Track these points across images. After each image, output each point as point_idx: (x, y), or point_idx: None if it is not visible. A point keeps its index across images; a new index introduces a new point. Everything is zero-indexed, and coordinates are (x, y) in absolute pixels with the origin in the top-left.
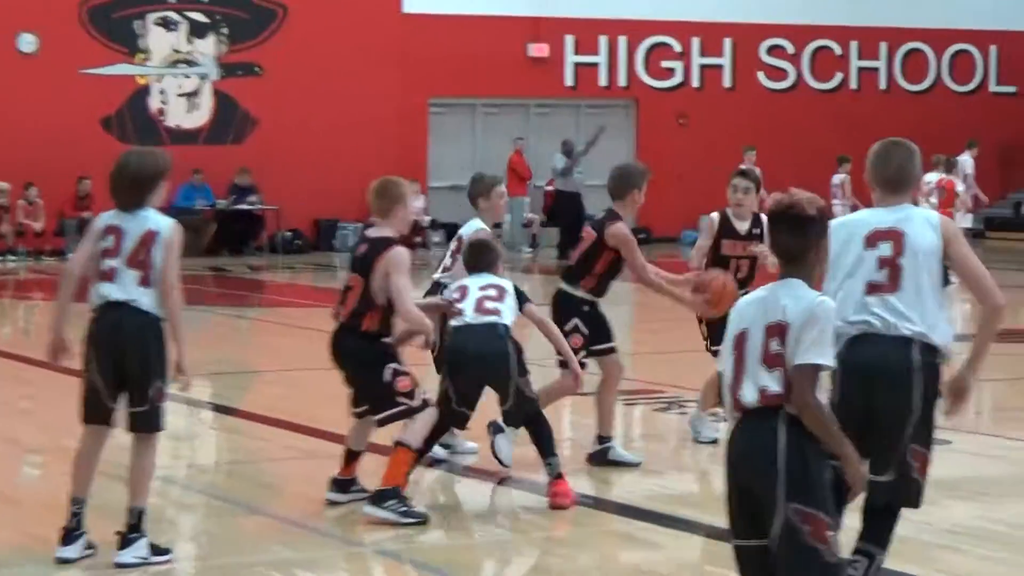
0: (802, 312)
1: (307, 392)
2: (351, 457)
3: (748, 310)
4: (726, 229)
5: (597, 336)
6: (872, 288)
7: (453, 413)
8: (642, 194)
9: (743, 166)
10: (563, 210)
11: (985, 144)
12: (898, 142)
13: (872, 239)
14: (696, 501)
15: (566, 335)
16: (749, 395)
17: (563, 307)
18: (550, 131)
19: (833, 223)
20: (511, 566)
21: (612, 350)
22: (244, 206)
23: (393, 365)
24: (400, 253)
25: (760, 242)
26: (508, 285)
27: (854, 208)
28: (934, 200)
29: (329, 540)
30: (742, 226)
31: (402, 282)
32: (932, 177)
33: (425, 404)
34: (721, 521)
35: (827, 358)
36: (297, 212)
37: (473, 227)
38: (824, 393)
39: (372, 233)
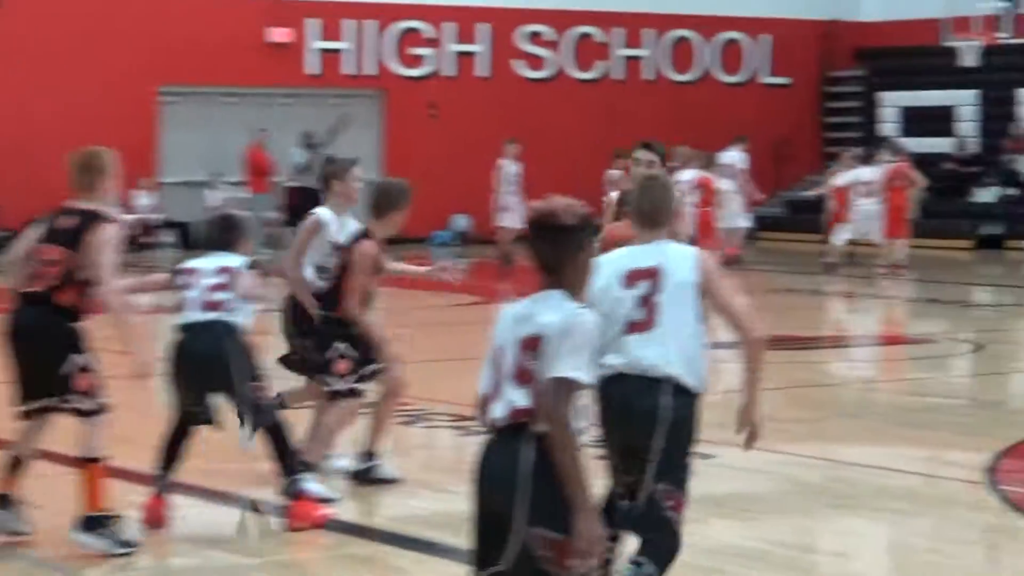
0: (559, 324)
1: None
2: (15, 466)
3: (505, 324)
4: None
5: (367, 357)
6: (631, 327)
7: (188, 413)
8: (402, 215)
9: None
10: (304, 209)
11: (758, 139)
12: (653, 177)
13: (631, 278)
14: (443, 522)
15: (329, 363)
16: (499, 411)
17: (324, 333)
18: (293, 122)
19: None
20: None
21: (385, 368)
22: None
23: (81, 357)
24: (115, 229)
25: None
26: (242, 263)
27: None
28: (694, 199)
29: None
30: None
31: (112, 260)
32: (689, 175)
33: (102, 409)
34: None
35: (581, 373)
36: (15, 210)
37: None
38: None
39: (81, 206)
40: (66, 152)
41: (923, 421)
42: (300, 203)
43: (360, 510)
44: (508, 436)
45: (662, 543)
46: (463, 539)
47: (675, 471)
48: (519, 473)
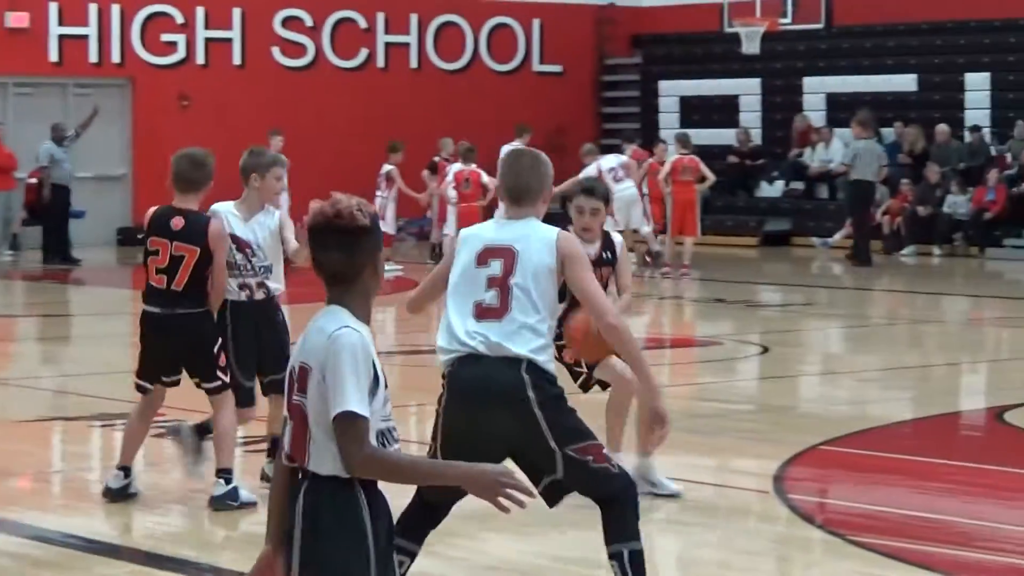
0: (320, 349)
1: None
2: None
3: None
4: None
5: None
6: (480, 310)
7: None
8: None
9: (588, 182)
10: (51, 205)
11: (531, 129)
12: (523, 152)
13: (483, 256)
14: (196, 541)
15: (216, 358)
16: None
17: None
18: (34, 114)
19: (462, 233)
20: None
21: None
22: None
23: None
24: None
25: (612, 268)
26: None
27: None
28: (452, 193)
29: None
30: (591, 251)
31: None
32: (456, 167)
33: None
34: (221, 561)
35: (357, 405)
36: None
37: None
38: None
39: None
40: None
41: (712, 428)
42: (49, 200)
43: (111, 528)
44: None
45: (615, 499)
46: (217, 557)
47: (569, 430)
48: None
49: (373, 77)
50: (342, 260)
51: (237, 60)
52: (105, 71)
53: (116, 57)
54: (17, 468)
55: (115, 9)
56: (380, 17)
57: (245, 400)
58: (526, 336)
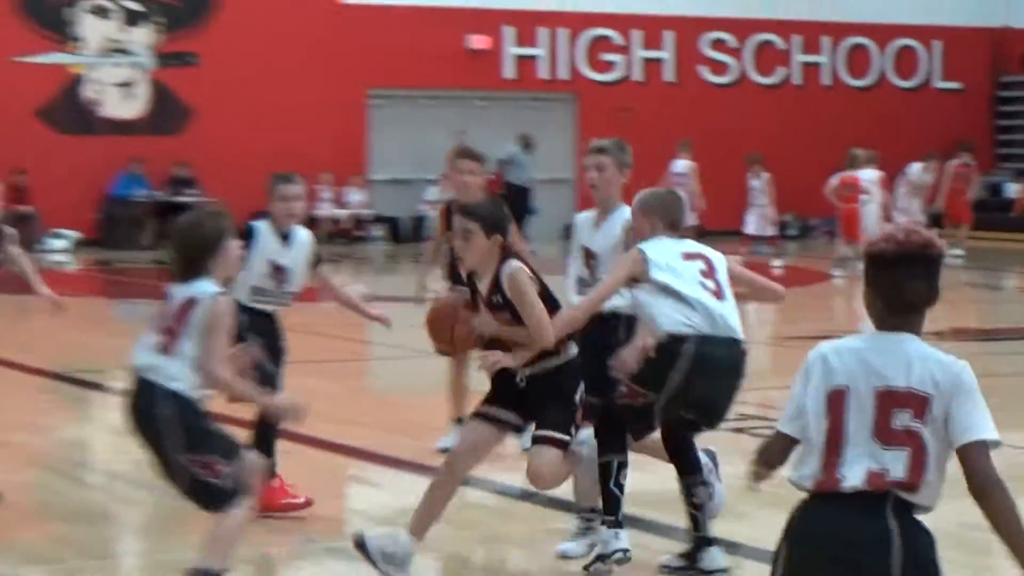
0: (952, 379)
1: None
2: None
3: (842, 366)
4: None
5: None
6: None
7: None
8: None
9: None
10: (511, 203)
11: (932, 142)
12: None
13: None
14: (643, 500)
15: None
16: (854, 476)
17: None
18: (491, 124)
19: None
20: None
21: None
22: (182, 198)
23: None
24: None
25: None
26: None
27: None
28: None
29: (279, 534)
30: None
31: None
32: (869, 174)
33: None
34: (669, 517)
35: (993, 431)
36: (236, 204)
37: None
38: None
39: None
40: (284, 152)
41: None
42: (510, 198)
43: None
44: (866, 503)
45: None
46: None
47: None
48: (892, 545)
49: (789, 93)
50: (928, 291)
51: (669, 77)
52: (554, 86)
53: (564, 74)
54: None
55: (563, 33)
56: (796, 39)
57: None
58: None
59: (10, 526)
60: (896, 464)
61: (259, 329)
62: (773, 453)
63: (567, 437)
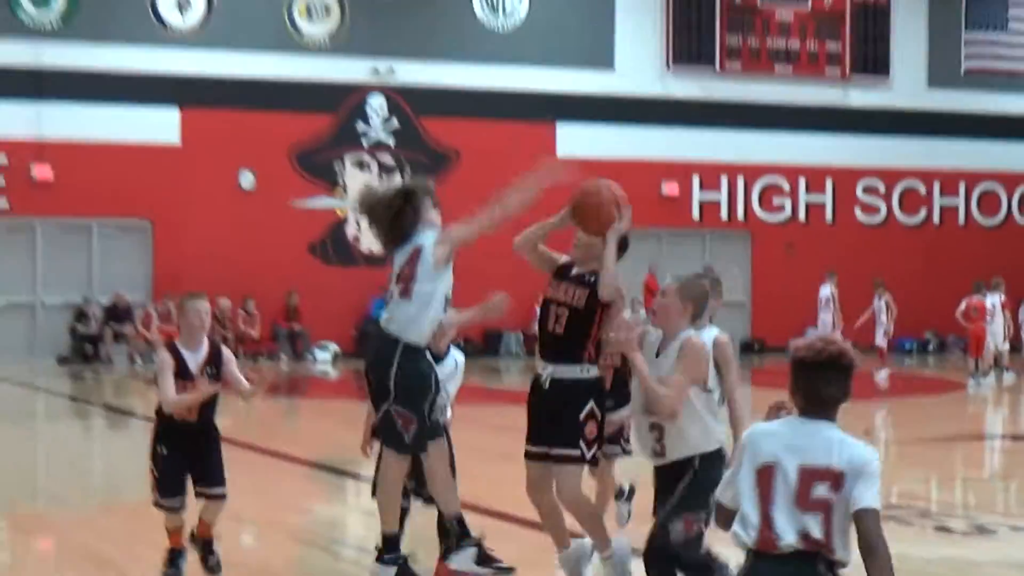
0: (859, 458)
1: (481, 478)
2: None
3: (767, 445)
4: None
5: None
6: None
7: None
8: None
9: None
10: None
11: None
12: None
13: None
14: None
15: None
16: (787, 536)
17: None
18: (680, 257)
19: None
20: None
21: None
22: None
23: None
24: None
25: None
26: None
27: (886, 334)
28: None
29: None
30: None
31: None
32: (994, 299)
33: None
34: None
35: (878, 502)
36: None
37: None
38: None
39: None
40: (509, 279)
41: None
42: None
43: None
44: (799, 562)
45: None
46: None
47: None
48: None
49: (930, 231)
50: (841, 390)
51: (828, 218)
52: (732, 225)
53: (740, 215)
54: None
55: (740, 180)
56: (936, 183)
57: None
58: None
59: None
60: (814, 526)
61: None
62: (719, 518)
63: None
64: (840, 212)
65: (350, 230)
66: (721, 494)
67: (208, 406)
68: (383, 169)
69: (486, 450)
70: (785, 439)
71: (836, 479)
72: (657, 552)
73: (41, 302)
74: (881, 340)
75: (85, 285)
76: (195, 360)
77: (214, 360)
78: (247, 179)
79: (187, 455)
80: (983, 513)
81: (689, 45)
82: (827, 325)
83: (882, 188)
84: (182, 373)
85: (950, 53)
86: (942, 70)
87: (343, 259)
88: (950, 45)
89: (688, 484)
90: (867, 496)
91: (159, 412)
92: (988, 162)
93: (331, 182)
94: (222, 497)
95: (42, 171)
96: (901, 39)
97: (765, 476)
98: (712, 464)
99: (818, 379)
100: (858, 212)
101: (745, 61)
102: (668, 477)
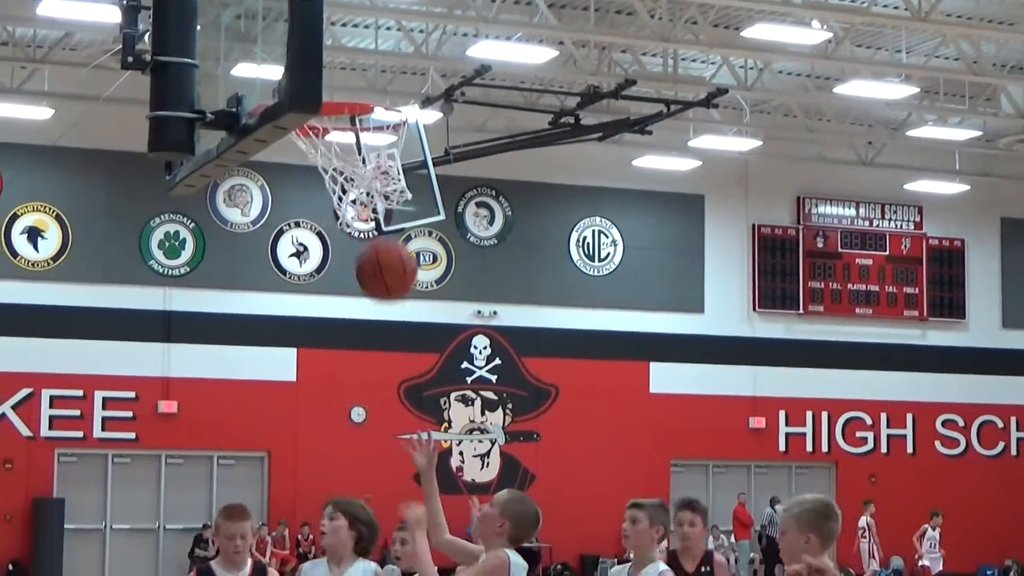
0: None
1: None
2: None
3: None
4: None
5: None
6: None
7: None
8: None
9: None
10: (772, 554)
11: None
12: None
13: None
14: None
15: None
16: None
17: None
18: (767, 488)
19: None
20: None
21: None
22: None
23: None
24: None
25: None
26: None
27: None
28: None
29: None
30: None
31: None
32: None
33: None
34: None
35: None
36: (566, 549)
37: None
38: None
39: None
40: (603, 507)
41: None
42: (769, 548)
43: None
44: None
45: None
46: None
47: None
48: None
49: (1008, 462)
50: None
51: (910, 450)
52: (816, 457)
53: (824, 447)
54: None
55: (824, 415)
56: (1013, 420)
57: None
58: None
59: None
60: None
61: None
62: None
63: None
64: (920, 445)
65: (454, 461)
66: None
67: None
68: (485, 404)
69: None
70: None
71: None
72: None
73: (164, 527)
74: (937, 565)
75: (205, 512)
76: None
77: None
78: (358, 413)
79: None
80: None
81: (774, 290)
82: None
83: (961, 422)
84: None
85: (1022, 295)
86: (1015, 311)
87: (447, 487)
88: (1022, 288)
89: None
90: None
91: None
92: None
93: (437, 417)
94: None
95: (168, 406)
96: (975, 282)
97: None
98: None
99: None
100: (938, 444)
101: (827, 304)
102: None
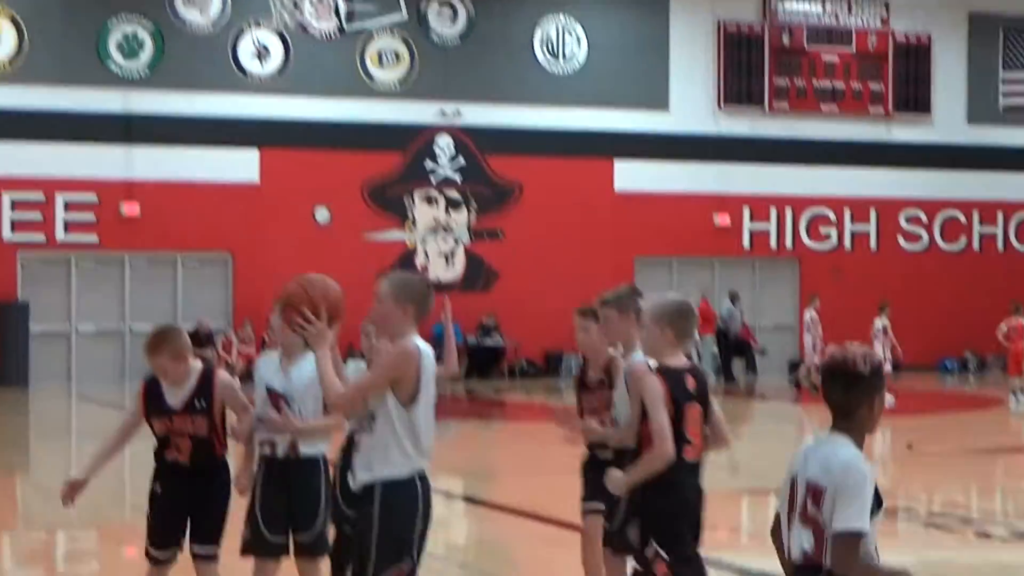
0: (840, 475)
1: (542, 488)
2: None
3: (799, 460)
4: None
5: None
6: None
7: None
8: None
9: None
10: (729, 348)
11: None
12: None
13: None
14: None
15: None
16: (794, 551)
17: None
18: (730, 284)
19: None
20: None
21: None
22: (489, 342)
23: None
24: None
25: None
26: None
27: (894, 349)
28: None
29: None
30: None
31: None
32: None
33: None
34: None
35: (861, 523)
36: (531, 346)
37: None
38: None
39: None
40: (568, 304)
41: None
42: (724, 342)
43: None
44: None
45: None
46: None
47: None
48: None
49: (970, 257)
50: (842, 396)
51: (873, 246)
52: (780, 253)
53: (788, 244)
54: (720, 523)
55: (788, 211)
56: (976, 214)
57: None
58: None
59: None
60: (808, 542)
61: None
62: (772, 529)
63: None
64: (884, 240)
65: (419, 259)
66: (777, 504)
67: (201, 446)
68: (450, 203)
69: (546, 461)
70: (805, 452)
71: (818, 494)
72: None
73: (129, 329)
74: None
75: (170, 313)
76: (177, 394)
77: (203, 391)
78: (322, 214)
79: (184, 502)
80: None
81: (739, 86)
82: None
83: (924, 218)
84: (160, 407)
85: (988, 91)
86: (980, 107)
87: None
88: (988, 84)
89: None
90: (840, 517)
91: (156, 450)
92: None
93: (401, 216)
94: (209, 558)
95: (130, 208)
96: (941, 78)
97: (791, 489)
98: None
99: (827, 386)
100: (901, 240)
101: (792, 101)
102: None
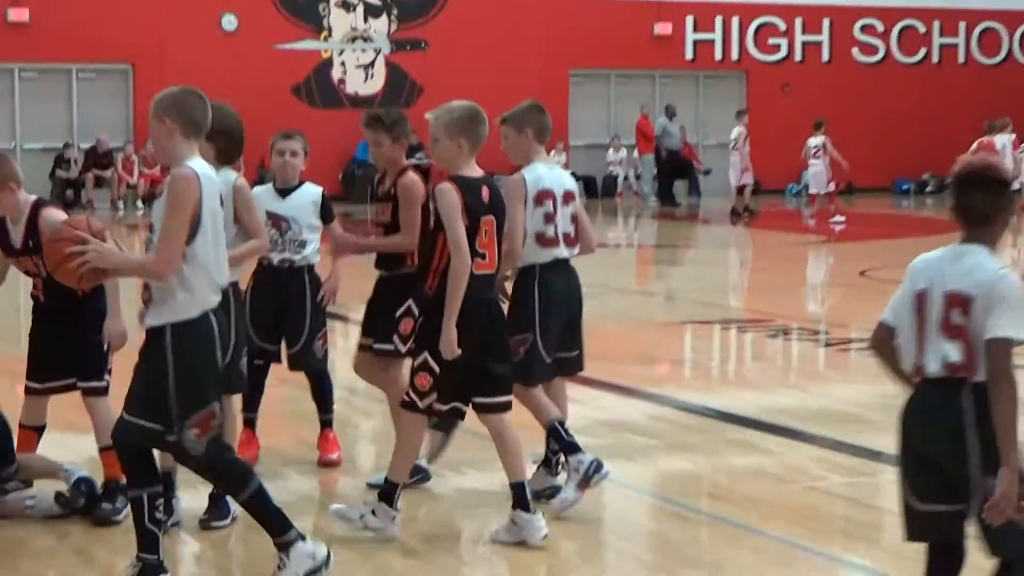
0: (989, 285)
1: None
2: None
3: (928, 272)
4: None
5: None
6: None
7: None
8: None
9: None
10: (666, 164)
11: None
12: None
13: None
14: (800, 415)
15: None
16: (931, 364)
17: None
18: (672, 99)
19: None
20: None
21: None
22: (412, 160)
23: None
24: None
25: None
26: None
27: (838, 167)
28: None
29: None
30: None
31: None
32: (1004, 139)
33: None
34: (823, 430)
35: (1018, 331)
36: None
37: None
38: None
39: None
40: (498, 112)
41: None
42: (665, 160)
43: (730, 403)
44: (945, 388)
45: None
46: (819, 427)
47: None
48: (965, 425)
49: (929, 70)
50: (980, 205)
51: (825, 58)
52: (726, 66)
53: (735, 55)
54: (661, 356)
55: (735, 20)
56: (936, 24)
57: None
58: None
59: (269, 433)
60: (954, 353)
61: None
62: (877, 340)
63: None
64: (837, 52)
65: (335, 72)
66: (885, 314)
67: (53, 285)
68: (368, 10)
69: None
70: (938, 264)
71: (966, 304)
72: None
73: (20, 147)
74: (822, 184)
75: (65, 130)
76: (18, 232)
77: (32, 230)
78: (229, 21)
79: (48, 339)
80: None
81: None
82: (820, 175)
83: (880, 27)
84: (8, 246)
85: None
86: None
87: (328, 101)
88: None
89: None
90: (995, 324)
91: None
92: (988, 1)
93: (315, 24)
94: (92, 392)
95: (18, 14)
96: None
97: (919, 302)
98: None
99: (964, 194)
100: (855, 51)
101: None
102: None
